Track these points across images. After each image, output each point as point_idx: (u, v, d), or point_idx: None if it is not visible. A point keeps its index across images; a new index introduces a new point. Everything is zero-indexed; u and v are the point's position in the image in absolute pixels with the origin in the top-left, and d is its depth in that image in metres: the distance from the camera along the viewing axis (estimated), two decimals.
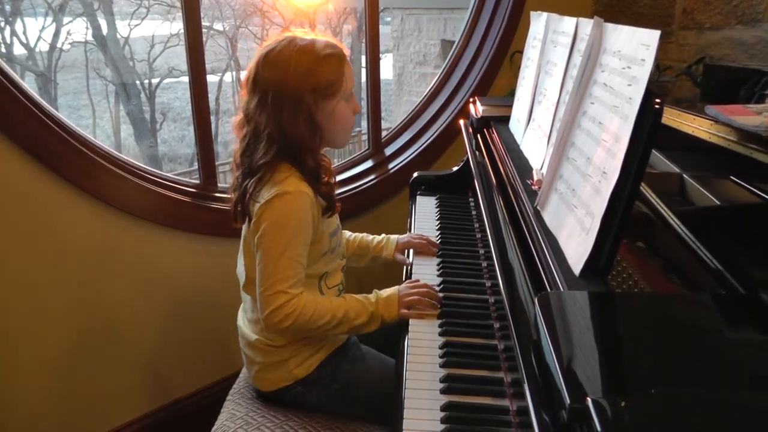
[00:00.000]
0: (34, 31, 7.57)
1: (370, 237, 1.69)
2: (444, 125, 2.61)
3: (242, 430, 1.36)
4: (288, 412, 1.42)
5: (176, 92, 8.75)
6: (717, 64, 2.14)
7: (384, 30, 7.06)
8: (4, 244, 1.67)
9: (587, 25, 1.20)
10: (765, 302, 0.80)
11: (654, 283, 1.00)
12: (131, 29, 7.85)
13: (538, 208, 1.17)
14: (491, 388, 1.10)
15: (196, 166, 2.25)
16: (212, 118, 2.06)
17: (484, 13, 2.69)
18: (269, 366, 1.43)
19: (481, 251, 1.62)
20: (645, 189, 1.19)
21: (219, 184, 2.13)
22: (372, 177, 2.48)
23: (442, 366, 1.18)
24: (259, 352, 1.43)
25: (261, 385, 1.46)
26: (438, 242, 1.68)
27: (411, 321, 1.33)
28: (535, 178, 1.31)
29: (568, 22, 1.36)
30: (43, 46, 7.54)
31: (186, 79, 2.04)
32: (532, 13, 1.75)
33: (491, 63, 2.65)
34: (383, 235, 1.69)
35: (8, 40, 7.41)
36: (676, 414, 0.61)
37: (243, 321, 1.49)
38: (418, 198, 2.02)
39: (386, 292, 1.40)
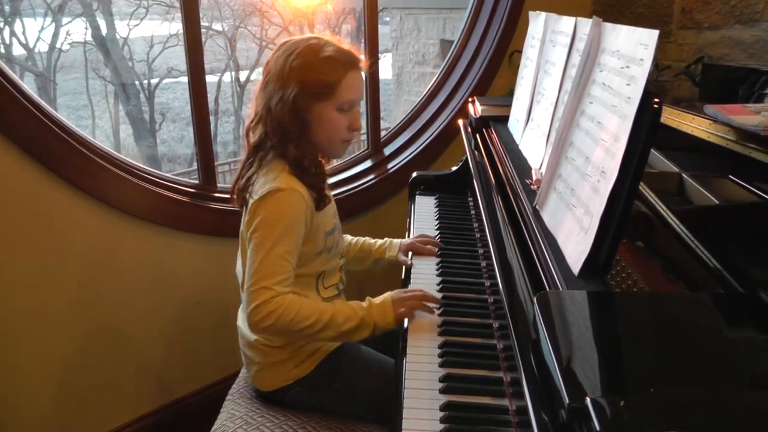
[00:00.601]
0: (33, 31, 7.56)
1: (372, 240, 1.69)
2: (443, 125, 2.61)
3: (242, 430, 1.36)
4: (287, 412, 1.42)
5: (175, 92, 8.75)
6: (716, 64, 2.15)
7: (383, 30, 7.07)
8: (3, 243, 1.67)
9: (586, 24, 1.20)
10: (764, 302, 0.81)
11: (653, 282, 1.00)
12: (130, 29, 7.85)
13: (537, 207, 1.17)
14: (490, 387, 1.10)
15: (195, 166, 2.25)
16: (211, 118, 2.06)
17: (483, 13, 2.69)
18: (268, 366, 1.43)
19: (480, 251, 1.62)
20: (644, 188, 1.19)
21: (218, 184, 2.13)
22: (371, 177, 2.48)
23: (442, 366, 1.18)
24: (258, 353, 1.43)
25: (260, 385, 1.46)
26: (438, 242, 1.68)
27: (410, 321, 1.33)
28: (534, 177, 1.31)
29: (567, 22, 1.37)
30: (43, 47, 7.54)
31: (185, 79, 2.04)
32: (531, 13, 1.75)
33: (490, 63, 2.65)
34: (386, 238, 1.69)
35: (7, 41, 7.41)
36: (675, 413, 0.61)
37: (243, 321, 1.49)
38: (418, 198, 2.02)
39: (379, 298, 1.37)
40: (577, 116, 1.11)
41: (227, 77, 8.50)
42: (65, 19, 7.56)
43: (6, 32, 7.34)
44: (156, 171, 2.02)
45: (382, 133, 2.63)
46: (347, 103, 1.37)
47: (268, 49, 7.67)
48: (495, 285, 1.24)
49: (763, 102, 1.49)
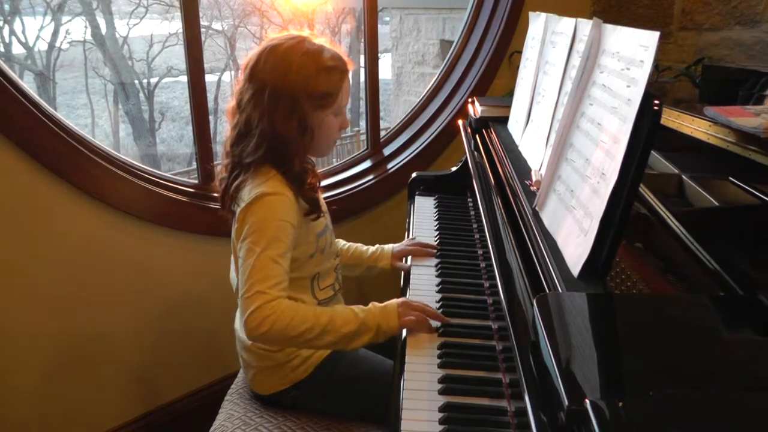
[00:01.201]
0: (32, 30, 7.57)
1: (364, 248, 1.66)
2: (443, 125, 2.61)
3: (240, 431, 1.36)
4: (286, 413, 1.42)
5: (175, 92, 8.75)
6: (716, 65, 2.15)
7: (383, 30, 7.06)
8: (1, 242, 1.67)
9: (586, 25, 1.20)
10: (763, 303, 0.81)
11: (652, 284, 1.00)
12: (130, 28, 7.85)
13: (537, 209, 1.17)
14: (489, 388, 1.10)
15: (194, 165, 2.25)
16: (211, 117, 2.06)
17: (483, 13, 2.69)
18: (266, 370, 1.42)
19: (480, 252, 1.62)
20: (644, 190, 1.19)
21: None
22: (370, 177, 2.47)
23: (441, 366, 1.17)
24: (255, 356, 1.42)
25: (258, 388, 1.46)
26: (436, 242, 1.68)
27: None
28: (534, 178, 1.31)
29: (567, 23, 1.36)
30: (42, 46, 7.54)
31: (184, 78, 2.05)
32: (531, 14, 1.74)
33: (490, 63, 2.65)
34: (377, 245, 1.67)
35: (7, 40, 7.40)
36: (674, 415, 0.61)
37: (240, 325, 1.48)
38: (417, 198, 2.02)
39: (384, 303, 1.34)
40: (577, 118, 1.11)
41: (227, 77, 8.51)
42: (65, 18, 7.57)
43: (5, 31, 7.34)
44: (155, 170, 2.01)
45: (382, 134, 2.63)
46: (343, 107, 1.39)
47: None
48: (494, 286, 1.24)
49: (763, 104, 1.49)
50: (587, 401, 0.60)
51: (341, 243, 1.66)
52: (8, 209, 1.66)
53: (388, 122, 6.98)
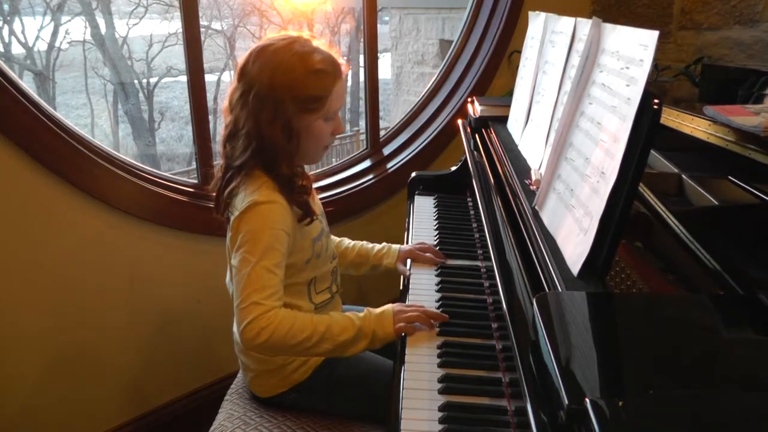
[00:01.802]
0: (32, 30, 7.56)
1: (370, 245, 1.64)
2: (442, 125, 2.61)
3: (240, 430, 1.36)
4: (286, 413, 1.42)
5: (174, 91, 8.74)
6: (715, 65, 2.15)
7: (382, 29, 7.06)
8: (1, 242, 1.67)
9: (585, 25, 1.20)
10: (763, 303, 0.81)
11: (652, 283, 1.00)
12: (129, 28, 7.84)
13: (536, 208, 1.17)
14: (489, 388, 1.10)
15: (194, 165, 2.25)
16: (210, 117, 2.05)
17: (483, 13, 2.69)
18: (264, 373, 1.42)
19: (480, 251, 1.62)
20: (643, 189, 1.19)
21: None
22: (370, 176, 2.48)
23: (440, 366, 1.17)
24: (253, 360, 1.41)
25: (257, 390, 1.45)
26: (436, 242, 1.68)
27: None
28: (534, 178, 1.31)
29: (566, 22, 1.36)
30: (42, 46, 7.53)
31: (184, 78, 2.04)
32: (530, 13, 1.74)
33: (489, 63, 2.65)
34: (384, 243, 1.64)
35: (6, 40, 7.40)
36: (674, 414, 0.61)
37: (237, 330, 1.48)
38: (417, 198, 2.02)
39: (379, 309, 1.33)
40: (576, 117, 1.11)
41: (226, 76, 8.50)
42: (64, 18, 7.55)
43: (5, 31, 7.33)
44: (155, 170, 2.01)
45: (382, 133, 2.63)
46: (335, 112, 1.35)
47: None
48: (494, 285, 1.24)
49: (763, 103, 1.49)
50: (587, 400, 0.60)
51: (346, 242, 1.64)
52: (8, 209, 1.66)
53: (387, 122, 6.98)
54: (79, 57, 7.80)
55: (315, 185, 1.51)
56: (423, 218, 1.87)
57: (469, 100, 2.09)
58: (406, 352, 1.22)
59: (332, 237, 1.63)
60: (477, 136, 1.81)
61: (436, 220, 1.84)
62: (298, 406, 1.42)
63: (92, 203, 1.79)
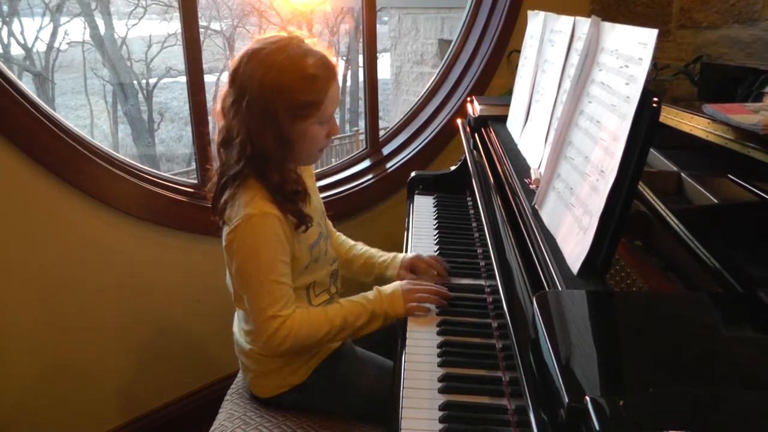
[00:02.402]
0: (31, 31, 7.55)
1: (377, 255, 1.60)
2: (441, 124, 2.61)
3: (240, 430, 1.36)
4: (286, 412, 1.42)
5: (174, 92, 8.74)
6: (714, 63, 2.15)
7: (381, 29, 7.06)
8: (0, 242, 1.66)
9: (584, 24, 1.20)
10: (763, 301, 0.81)
11: (652, 281, 1.00)
12: (129, 29, 7.84)
13: (536, 207, 1.17)
14: (489, 387, 1.10)
15: (193, 165, 2.25)
16: (210, 117, 2.05)
17: (482, 12, 2.69)
18: (264, 374, 1.42)
19: (479, 250, 1.62)
20: (643, 188, 1.19)
21: None
22: (369, 176, 2.48)
23: (441, 365, 1.17)
24: (253, 361, 1.42)
25: (257, 391, 1.45)
26: (436, 242, 1.68)
27: (409, 320, 1.32)
28: (533, 177, 1.31)
29: (565, 21, 1.36)
30: (41, 46, 7.53)
31: (183, 78, 2.04)
32: (529, 12, 1.74)
33: (488, 62, 2.65)
34: (392, 253, 1.60)
35: (5, 41, 7.40)
36: (674, 412, 0.61)
37: (237, 329, 1.48)
38: (416, 197, 2.02)
39: (389, 288, 1.37)
40: (576, 115, 1.11)
41: (225, 77, 8.49)
42: (63, 19, 7.56)
43: (4, 32, 7.33)
44: (154, 171, 2.01)
45: (381, 133, 2.63)
46: (330, 115, 1.32)
47: None
48: (494, 285, 1.24)
49: (762, 101, 1.49)
50: (587, 398, 0.60)
51: (356, 248, 1.61)
52: (8, 209, 1.66)
53: (387, 122, 6.97)
54: (79, 58, 7.80)
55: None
56: (423, 218, 1.87)
57: (469, 99, 2.09)
58: (407, 352, 1.22)
59: (343, 239, 1.62)
60: (476, 135, 1.81)
61: (435, 219, 1.84)
62: (298, 406, 1.42)
63: (92, 203, 1.79)
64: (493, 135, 1.72)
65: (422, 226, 1.80)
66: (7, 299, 1.70)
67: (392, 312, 1.34)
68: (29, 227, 1.70)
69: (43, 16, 7.47)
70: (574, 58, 1.24)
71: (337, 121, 1.39)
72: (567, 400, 0.62)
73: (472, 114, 1.95)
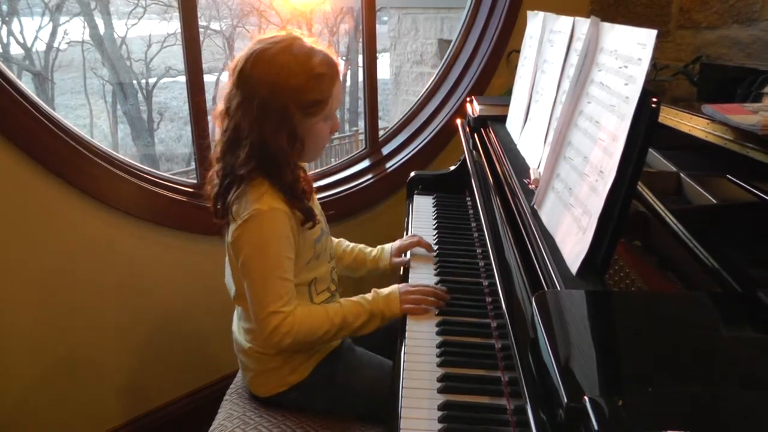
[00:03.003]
0: (31, 30, 7.54)
1: (367, 250, 1.65)
2: (441, 124, 2.61)
3: (240, 430, 1.36)
4: (286, 412, 1.42)
5: (173, 92, 8.73)
6: (714, 64, 2.15)
7: (381, 29, 7.06)
8: (0, 242, 1.67)
9: (584, 24, 1.20)
10: (762, 301, 0.81)
11: (651, 281, 1.00)
12: (128, 29, 7.83)
13: (535, 207, 1.17)
14: (489, 387, 1.10)
15: (193, 165, 2.25)
16: (209, 117, 2.05)
17: (481, 13, 2.69)
18: (263, 373, 1.42)
19: (479, 250, 1.62)
20: (642, 188, 1.19)
21: None
22: (369, 176, 2.48)
23: (440, 365, 1.18)
24: (252, 360, 1.42)
25: (256, 390, 1.46)
26: (435, 241, 1.68)
27: (408, 320, 1.33)
28: (532, 177, 1.31)
29: (565, 22, 1.37)
30: (40, 46, 7.52)
31: (183, 78, 2.04)
32: (529, 13, 1.75)
33: (488, 62, 2.65)
34: (378, 247, 1.66)
35: (5, 40, 7.39)
36: (673, 412, 0.61)
37: (237, 328, 1.48)
38: (416, 197, 2.02)
39: (386, 290, 1.39)
40: (575, 116, 1.11)
41: (225, 77, 8.47)
42: (63, 19, 7.55)
43: (3, 31, 7.32)
44: (154, 170, 2.01)
45: (380, 133, 2.63)
46: (334, 111, 1.36)
47: None
48: (493, 284, 1.24)
49: (761, 101, 1.49)
50: (586, 398, 0.60)
51: (344, 244, 1.65)
52: (8, 209, 1.66)
53: (386, 122, 6.96)
54: (78, 57, 7.80)
55: (314, 185, 1.51)
56: (422, 218, 1.87)
57: (468, 99, 2.09)
58: (406, 352, 1.22)
59: (331, 238, 1.63)
60: (476, 135, 1.81)
61: (435, 219, 1.84)
62: (297, 405, 1.42)
63: (91, 203, 1.79)
64: (492, 135, 1.73)
65: (422, 226, 1.80)
66: (7, 299, 1.70)
67: (389, 312, 1.36)
68: (29, 227, 1.70)
69: (42, 15, 7.46)
70: (574, 59, 1.24)
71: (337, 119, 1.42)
72: (566, 399, 0.62)
73: (471, 114, 1.95)
